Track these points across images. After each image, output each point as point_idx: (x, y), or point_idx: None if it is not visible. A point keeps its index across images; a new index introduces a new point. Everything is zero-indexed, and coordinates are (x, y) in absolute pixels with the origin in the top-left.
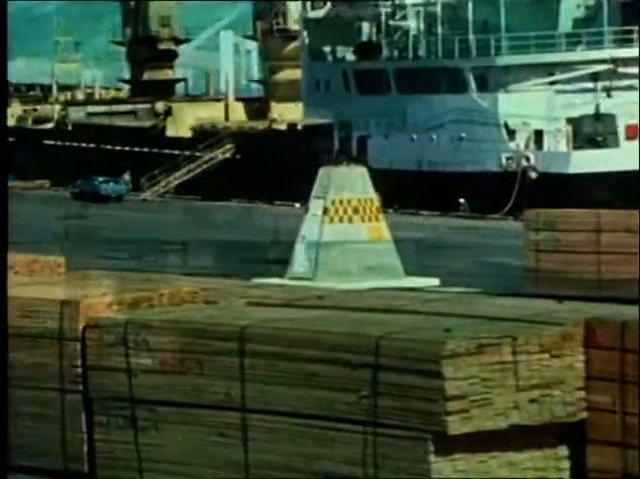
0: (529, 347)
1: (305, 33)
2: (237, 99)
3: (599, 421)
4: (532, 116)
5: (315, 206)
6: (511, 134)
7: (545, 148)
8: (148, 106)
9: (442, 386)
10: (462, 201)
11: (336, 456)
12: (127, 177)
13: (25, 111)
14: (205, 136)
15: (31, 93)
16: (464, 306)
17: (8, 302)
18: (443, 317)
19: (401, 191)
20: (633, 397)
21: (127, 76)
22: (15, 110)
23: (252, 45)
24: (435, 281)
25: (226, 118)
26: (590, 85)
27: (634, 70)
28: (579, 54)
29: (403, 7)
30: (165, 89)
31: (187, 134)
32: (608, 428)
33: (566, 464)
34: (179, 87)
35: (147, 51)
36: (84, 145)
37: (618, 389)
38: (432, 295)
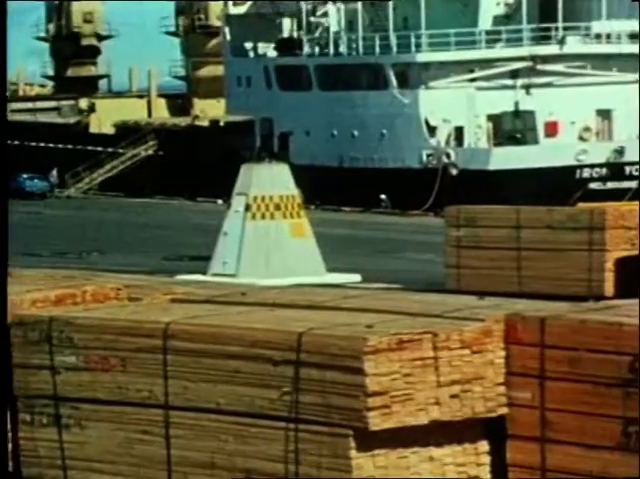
0: (450, 343)
1: (227, 29)
2: (160, 95)
3: (519, 417)
4: (453, 112)
5: (237, 202)
6: (432, 130)
7: (466, 144)
8: (71, 102)
9: (363, 382)
10: (383, 197)
11: (258, 453)
12: (54, 173)
13: None
14: (128, 132)
15: None
16: (385, 302)
17: None
18: (364, 313)
19: (322, 187)
20: (553, 393)
21: (50, 72)
22: None
23: (175, 41)
24: (356, 278)
25: (149, 114)
26: (510, 82)
27: (553, 67)
28: (499, 51)
29: (324, 3)
30: (89, 85)
31: (111, 130)
32: (528, 423)
33: (486, 459)
34: (103, 83)
35: (70, 47)
36: (8, 142)
37: (538, 385)
38: (353, 292)
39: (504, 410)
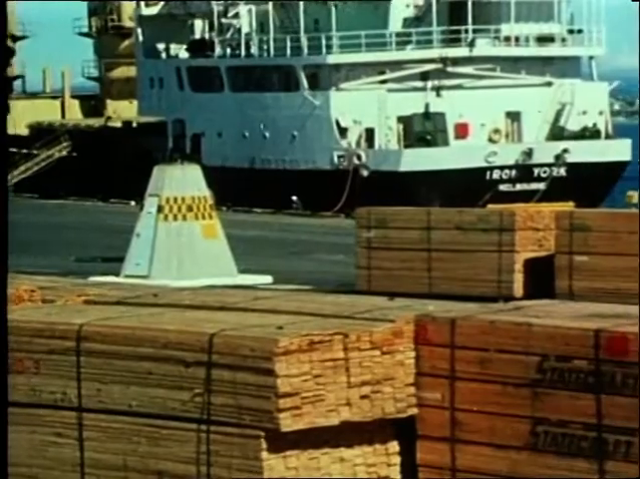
0: (361, 344)
1: (139, 30)
2: (74, 96)
3: (429, 417)
4: (364, 114)
5: (150, 203)
6: (343, 132)
7: (377, 146)
8: None
9: (274, 383)
10: (294, 198)
11: (170, 454)
12: None
13: None
14: (42, 133)
15: None
16: (296, 304)
17: None
18: (275, 315)
19: (234, 188)
20: (462, 393)
21: None
22: None
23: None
24: (268, 279)
25: (63, 115)
26: (420, 84)
27: (463, 69)
28: (409, 53)
29: (235, 5)
30: None
31: (25, 131)
32: (438, 424)
33: (397, 460)
34: (17, 84)
35: None
36: None
37: (448, 385)
38: (264, 293)
39: (415, 411)
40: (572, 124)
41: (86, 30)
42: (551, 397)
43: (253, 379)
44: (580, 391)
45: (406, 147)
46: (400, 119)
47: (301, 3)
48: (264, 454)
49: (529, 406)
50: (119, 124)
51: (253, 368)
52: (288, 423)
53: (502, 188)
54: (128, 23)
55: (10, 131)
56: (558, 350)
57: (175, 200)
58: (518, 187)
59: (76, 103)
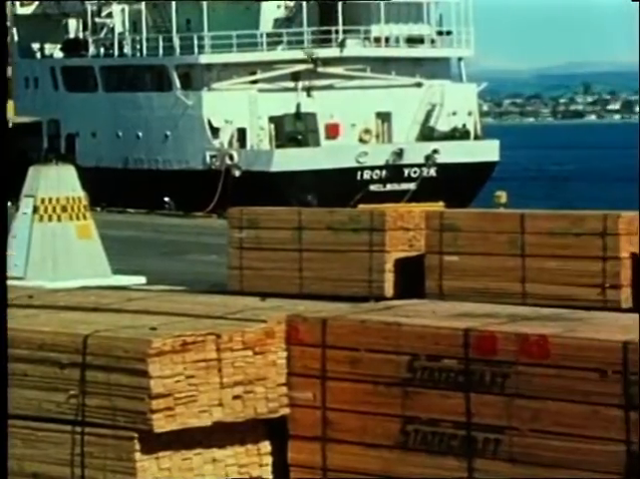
0: (233, 344)
1: (14, 30)
2: None
3: (301, 417)
4: (235, 114)
5: (25, 204)
6: (215, 132)
7: (248, 146)
8: None
9: (147, 384)
10: (166, 199)
11: (45, 456)
12: None
13: None
14: None
15: None
16: (169, 304)
17: None
18: (149, 315)
19: (108, 189)
20: (334, 393)
21: None
22: None
23: None
24: (141, 280)
25: None
26: (291, 84)
27: (333, 70)
28: (280, 53)
29: (108, 4)
30: None
31: None
32: (309, 424)
33: (269, 460)
34: None
35: None
36: None
37: (319, 385)
38: (138, 294)
39: (286, 411)
40: (442, 124)
41: None
42: (422, 396)
43: (127, 380)
44: (450, 390)
45: (277, 147)
46: (271, 119)
47: (173, 3)
48: (137, 455)
49: (400, 405)
50: None
51: (127, 369)
52: (161, 424)
53: (373, 188)
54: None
55: None
56: (428, 350)
57: (50, 200)
58: (389, 187)
59: None
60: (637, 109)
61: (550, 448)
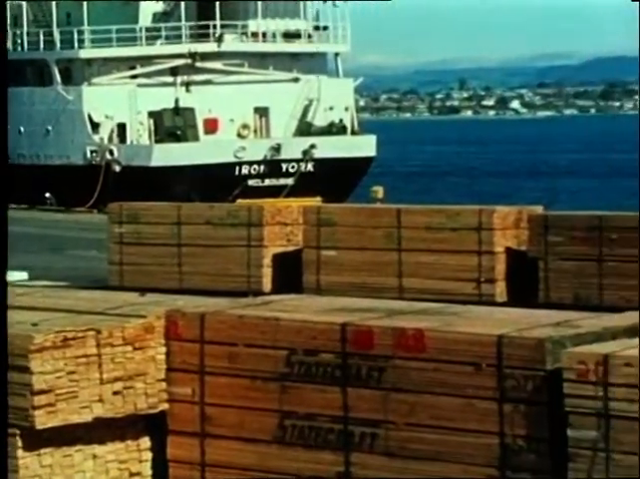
0: (113, 340)
1: None
2: None
3: (179, 412)
4: (115, 109)
5: None
6: (96, 127)
7: (128, 141)
8: None
9: (29, 380)
10: (47, 194)
11: None
12: None
13: None
14: None
15: None
16: (51, 300)
17: None
18: (31, 311)
19: None
20: (212, 388)
21: None
22: None
23: None
24: (23, 275)
25: None
26: (170, 79)
27: (211, 65)
28: (158, 48)
29: None
30: None
31: None
32: (188, 419)
33: (148, 456)
34: None
35: None
36: None
37: (198, 380)
38: (20, 289)
39: (166, 406)
40: (319, 120)
41: None
42: (299, 391)
43: (10, 377)
44: (327, 384)
45: (157, 142)
46: (151, 114)
47: None
48: (20, 452)
49: (277, 400)
50: None
51: (10, 366)
52: (43, 421)
53: (252, 183)
54: None
55: None
56: (306, 344)
57: None
58: (267, 182)
59: None
60: (511, 104)
61: (426, 441)
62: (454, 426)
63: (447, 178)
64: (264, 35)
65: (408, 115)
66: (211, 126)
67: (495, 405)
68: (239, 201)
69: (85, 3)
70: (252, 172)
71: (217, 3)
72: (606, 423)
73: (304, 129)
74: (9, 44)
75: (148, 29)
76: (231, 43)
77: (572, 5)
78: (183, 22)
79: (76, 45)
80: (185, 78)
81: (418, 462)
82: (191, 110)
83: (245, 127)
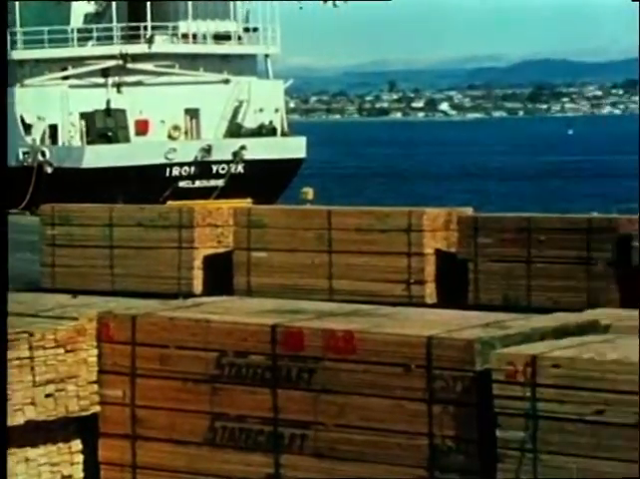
0: (45, 342)
1: None
2: None
3: (111, 414)
4: (47, 110)
5: None
6: (28, 128)
7: (60, 142)
8: None
9: None
10: None
11: None
12: None
13: None
14: None
15: None
16: None
17: None
18: None
19: None
20: (143, 390)
21: None
22: None
23: None
24: None
25: None
26: (101, 80)
27: (142, 66)
28: (90, 49)
29: None
30: None
31: None
32: (119, 421)
33: (80, 458)
34: None
35: None
36: None
37: (129, 383)
38: None
39: (97, 408)
40: (249, 121)
41: None
42: (229, 392)
43: None
44: (257, 386)
45: (88, 143)
46: (82, 115)
47: None
48: None
49: (208, 402)
50: None
51: None
52: None
53: (182, 184)
54: None
55: None
56: (236, 346)
57: None
58: (198, 183)
59: None
60: (440, 106)
61: (355, 442)
62: (383, 427)
63: (376, 179)
64: (195, 36)
65: (337, 117)
66: (142, 127)
67: (425, 406)
68: (170, 202)
69: (17, 4)
70: (183, 173)
71: (148, 4)
72: (534, 424)
73: (234, 130)
74: None
75: (79, 30)
76: (162, 44)
77: (500, 7)
78: (115, 23)
79: (8, 46)
80: (117, 79)
81: (347, 463)
82: (123, 111)
83: (176, 128)
